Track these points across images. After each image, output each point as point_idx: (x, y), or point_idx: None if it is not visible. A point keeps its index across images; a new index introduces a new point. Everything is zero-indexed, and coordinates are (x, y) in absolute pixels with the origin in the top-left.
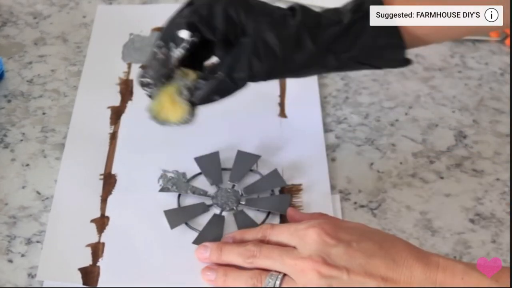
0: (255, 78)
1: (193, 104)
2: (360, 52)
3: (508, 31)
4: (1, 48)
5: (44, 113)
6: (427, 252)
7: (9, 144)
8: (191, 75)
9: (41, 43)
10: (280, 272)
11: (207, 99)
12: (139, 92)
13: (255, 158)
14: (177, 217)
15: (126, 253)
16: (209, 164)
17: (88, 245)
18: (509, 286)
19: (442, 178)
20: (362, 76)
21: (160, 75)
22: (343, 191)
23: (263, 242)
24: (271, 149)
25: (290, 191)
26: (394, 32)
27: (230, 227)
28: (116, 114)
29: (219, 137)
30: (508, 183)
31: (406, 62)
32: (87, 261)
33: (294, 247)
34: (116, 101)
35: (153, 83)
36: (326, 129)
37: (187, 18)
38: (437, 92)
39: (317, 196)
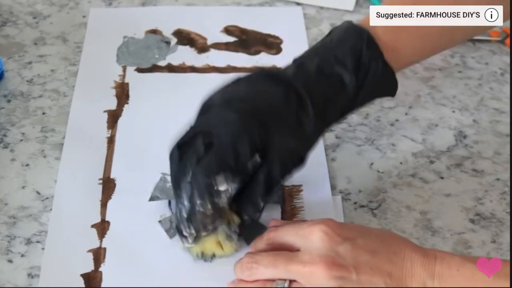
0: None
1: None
2: (360, 104)
3: (508, 31)
4: (1, 48)
5: (44, 113)
6: (423, 247)
7: (9, 144)
8: (235, 219)
9: (40, 43)
10: (285, 280)
11: None
12: (135, 96)
13: None
14: (174, 225)
15: (128, 258)
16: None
17: (89, 251)
18: (508, 280)
19: (442, 178)
20: None
21: (206, 227)
22: (343, 191)
23: (269, 245)
24: None
25: (290, 192)
26: (391, 77)
27: None
28: (113, 118)
29: None
30: (508, 183)
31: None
32: (89, 267)
33: (298, 249)
34: (113, 104)
35: (197, 235)
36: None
37: (220, 173)
38: (437, 92)
39: (317, 197)
